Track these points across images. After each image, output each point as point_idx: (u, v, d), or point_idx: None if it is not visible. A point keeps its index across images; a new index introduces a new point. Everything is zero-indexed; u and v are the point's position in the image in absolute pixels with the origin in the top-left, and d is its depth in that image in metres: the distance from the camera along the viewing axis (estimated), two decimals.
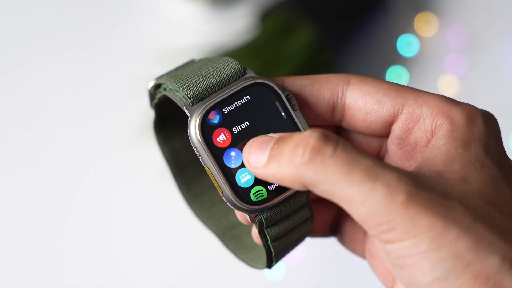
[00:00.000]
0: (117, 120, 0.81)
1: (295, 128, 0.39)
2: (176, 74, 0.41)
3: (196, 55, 0.75)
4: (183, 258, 0.76)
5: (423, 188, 0.33)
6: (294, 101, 0.39)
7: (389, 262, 0.35)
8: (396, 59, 0.83)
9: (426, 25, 0.84)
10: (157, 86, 0.42)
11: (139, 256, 0.76)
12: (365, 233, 0.44)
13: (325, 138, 0.34)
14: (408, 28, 0.84)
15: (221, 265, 0.75)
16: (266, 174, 0.36)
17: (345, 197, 0.33)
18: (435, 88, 0.82)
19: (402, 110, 0.39)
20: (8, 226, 0.78)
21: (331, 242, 0.58)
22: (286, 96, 0.39)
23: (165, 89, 0.41)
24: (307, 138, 0.34)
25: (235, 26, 0.84)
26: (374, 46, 0.83)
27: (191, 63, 0.42)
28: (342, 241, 0.46)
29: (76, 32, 0.85)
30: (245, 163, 0.37)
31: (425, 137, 0.38)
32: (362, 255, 0.44)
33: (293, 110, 0.39)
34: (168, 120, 0.46)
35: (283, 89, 0.40)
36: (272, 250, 0.41)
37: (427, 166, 0.36)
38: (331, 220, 0.45)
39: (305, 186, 0.35)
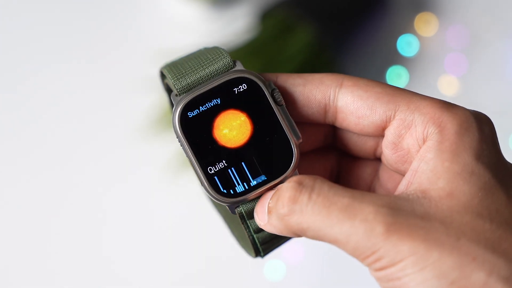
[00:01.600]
0: (118, 119, 0.81)
1: (277, 125, 0.39)
2: (175, 62, 0.42)
3: None
4: (184, 257, 0.76)
5: (402, 215, 0.34)
6: (279, 97, 0.40)
7: (381, 286, 0.36)
8: (396, 59, 0.83)
9: (426, 25, 0.84)
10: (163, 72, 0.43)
11: (141, 254, 0.76)
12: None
13: (299, 187, 0.36)
14: (408, 28, 0.84)
15: (221, 265, 0.75)
16: (270, 229, 0.38)
17: (331, 239, 0.35)
18: (435, 88, 0.82)
19: (394, 116, 0.38)
20: (9, 222, 0.78)
21: None
22: (271, 92, 0.40)
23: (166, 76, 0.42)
24: (284, 190, 0.36)
25: (235, 26, 0.84)
26: (374, 46, 0.83)
27: (198, 51, 0.43)
28: None
29: (76, 31, 0.85)
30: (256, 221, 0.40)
31: (417, 144, 0.38)
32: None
33: (278, 105, 0.40)
34: None
35: (270, 84, 0.40)
36: (257, 241, 0.41)
37: (413, 184, 0.36)
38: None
39: (298, 235, 0.37)
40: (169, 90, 0.44)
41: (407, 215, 0.34)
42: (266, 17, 0.79)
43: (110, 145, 0.80)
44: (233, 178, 0.39)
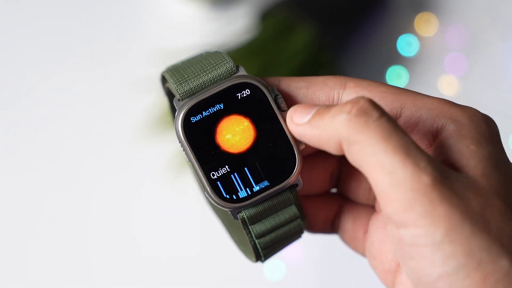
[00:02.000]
0: (118, 119, 0.81)
1: (280, 131, 0.39)
2: (177, 66, 0.41)
3: None
4: (183, 257, 0.76)
5: (450, 178, 0.33)
6: (283, 102, 0.39)
7: (399, 251, 0.34)
8: (396, 59, 0.83)
9: (426, 25, 0.84)
10: (164, 76, 0.43)
11: (141, 254, 0.76)
12: (365, 232, 0.43)
13: (374, 104, 0.34)
14: (408, 28, 0.84)
15: (222, 265, 0.75)
16: (305, 130, 0.37)
17: (375, 163, 0.33)
18: (435, 88, 0.82)
19: (400, 114, 0.38)
20: (8, 222, 0.78)
21: (331, 242, 0.58)
22: (274, 97, 0.40)
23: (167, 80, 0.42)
24: (358, 99, 0.35)
25: (235, 26, 0.84)
26: (374, 46, 0.83)
27: (199, 55, 0.43)
28: (343, 238, 0.45)
29: (76, 31, 0.85)
30: (288, 122, 0.38)
31: (425, 138, 0.38)
32: (363, 254, 0.44)
33: (281, 111, 0.39)
34: None
35: (273, 89, 0.40)
36: (258, 246, 0.41)
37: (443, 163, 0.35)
38: (332, 216, 0.45)
39: (340, 144, 0.35)
40: (170, 94, 0.44)
41: (454, 181, 0.33)
42: (266, 17, 0.79)
43: (110, 145, 0.80)
44: (235, 184, 0.39)
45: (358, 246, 0.44)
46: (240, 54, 0.75)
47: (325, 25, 0.77)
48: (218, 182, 0.39)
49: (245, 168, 0.39)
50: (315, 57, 0.76)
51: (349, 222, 0.44)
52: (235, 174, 0.39)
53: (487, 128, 0.36)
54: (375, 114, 0.34)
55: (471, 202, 0.33)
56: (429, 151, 0.38)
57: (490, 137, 0.36)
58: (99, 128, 0.81)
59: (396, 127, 0.34)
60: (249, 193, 0.39)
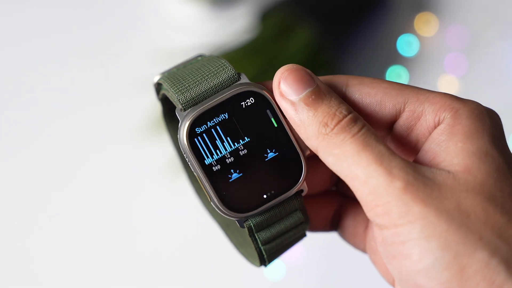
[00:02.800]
0: (118, 119, 0.81)
1: (286, 138, 0.39)
2: (175, 74, 0.41)
3: None
4: (182, 257, 0.76)
5: (422, 180, 0.35)
6: None
7: (383, 252, 0.36)
8: (396, 59, 0.83)
9: (426, 25, 0.84)
10: (160, 83, 0.42)
11: (141, 254, 0.76)
12: (366, 227, 0.44)
13: (354, 119, 0.36)
14: (408, 28, 0.84)
15: (221, 265, 0.75)
16: (289, 110, 0.37)
17: (350, 175, 0.35)
18: (435, 88, 0.82)
19: (404, 108, 0.38)
20: (8, 222, 0.78)
21: (331, 242, 0.58)
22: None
23: (164, 88, 0.41)
24: (340, 113, 0.36)
25: (235, 26, 0.84)
26: (374, 46, 0.83)
27: (194, 61, 0.42)
28: (343, 235, 0.46)
29: (76, 31, 0.85)
30: (274, 83, 0.38)
31: (427, 132, 0.38)
32: (363, 250, 0.45)
33: (285, 118, 0.39)
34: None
35: None
36: (264, 253, 0.41)
37: (428, 159, 0.36)
38: (332, 214, 0.46)
39: (317, 152, 0.37)
40: (164, 100, 0.43)
41: (427, 182, 0.35)
42: (266, 17, 0.79)
43: (109, 145, 0.80)
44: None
45: (358, 242, 0.45)
46: (240, 54, 0.75)
47: (325, 25, 0.77)
48: (225, 193, 0.39)
49: (252, 177, 0.39)
50: (315, 57, 0.76)
51: (349, 219, 0.45)
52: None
53: (483, 122, 0.37)
54: (353, 131, 0.36)
55: (447, 199, 0.34)
56: (427, 140, 0.38)
57: (484, 131, 0.36)
58: (99, 128, 0.81)
59: (372, 139, 0.36)
60: (257, 202, 0.39)
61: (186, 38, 0.82)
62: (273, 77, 0.41)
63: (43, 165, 0.80)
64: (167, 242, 0.77)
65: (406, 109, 0.38)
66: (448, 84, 0.82)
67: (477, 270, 0.33)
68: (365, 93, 0.39)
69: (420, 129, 0.38)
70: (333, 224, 0.46)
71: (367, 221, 0.44)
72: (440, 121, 0.37)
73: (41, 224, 0.78)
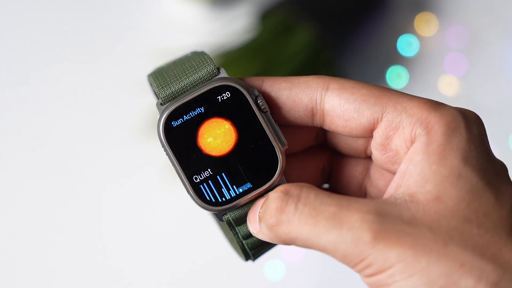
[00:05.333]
0: (117, 119, 0.81)
1: (261, 132, 0.39)
2: (161, 68, 0.42)
3: None
4: (182, 258, 0.76)
5: (389, 221, 0.34)
6: (264, 104, 0.39)
7: None
8: (396, 59, 0.83)
9: (426, 25, 0.84)
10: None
11: (141, 254, 0.76)
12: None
13: (285, 197, 0.36)
14: (408, 28, 0.84)
15: (221, 265, 0.75)
16: (264, 239, 0.38)
17: (320, 247, 0.36)
18: (435, 88, 0.82)
19: (381, 117, 0.38)
20: (5, 223, 0.78)
21: None
22: (255, 99, 0.40)
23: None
24: (271, 200, 0.37)
25: (235, 26, 0.84)
26: (374, 46, 0.83)
27: (185, 56, 0.43)
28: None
29: (76, 31, 0.85)
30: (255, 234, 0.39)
31: (405, 146, 0.38)
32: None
33: (262, 112, 0.39)
34: None
35: (253, 91, 0.40)
36: (246, 246, 0.41)
37: (402, 187, 0.36)
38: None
39: (288, 244, 0.37)
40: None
41: (394, 221, 0.34)
42: (266, 17, 0.79)
43: (109, 145, 0.80)
44: (218, 187, 0.39)
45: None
46: (240, 54, 0.75)
47: (325, 25, 0.77)
48: (201, 186, 0.39)
49: (228, 171, 0.39)
50: (315, 57, 0.76)
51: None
52: (218, 177, 0.39)
53: (462, 135, 0.36)
54: (291, 208, 0.36)
55: (421, 233, 0.34)
56: (403, 159, 0.38)
57: (463, 147, 0.36)
58: (98, 129, 0.81)
59: (317, 204, 0.36)
60: (233, 195, 0.39)
61: (186, 38, 0.82)
62: (256, 76, 0.41)
63: (41, 166, 0.80)
64: (166, 242, 0.77)
65: (384, 119, 0.38)
66: (448, 84, 0.82)
67: None
68: (344, 98, 0.39)
69: (398, 140, 0.38)
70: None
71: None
72: (416, 136, 0.37)
73: (39, 225, 0.77)
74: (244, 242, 0.41)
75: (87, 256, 0.76)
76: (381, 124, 0.38)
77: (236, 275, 0.75)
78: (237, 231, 0.40)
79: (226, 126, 0.40)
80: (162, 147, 0.40)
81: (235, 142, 0.39)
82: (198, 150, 0.39)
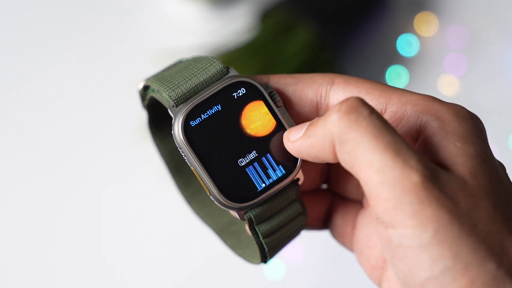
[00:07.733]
0: (116, 119, 0.81)
1: (278, 126, 0.39)
2: (162, 75, 0.41)
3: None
4: (182, 258, 0.76)
5: (439, 176, 0.33)
6: (278, 97, 0.40)
7: (388, 252, 0.34)
8: (396, 59, 0.83)
9: (426, 25, 0.84)
10: (146, 88, 0.42)
11: (137, 256, 0.76)
12: (353, 227, 0.44)
13: (363, 102, 0.34)
14: (408, 28, 0.84)
15: (221, 265, 0.75)
16: (301, 143, 0.37)
17: (365, 161, 0.33)
18: (435, 88, 0.82)
19: (385, 109, 0.38)
20: (4, 224, 0.78)
21: (331, 242, 0.58)
22: (269, 93, 0.40)
23: (153, 90, 0.41)
24: (347, 98, 0.34)
25: (235, 26, 0.84)
26: (374, 46, 0.83)
27: (178, 63, 0.43)
28: (334, 234, 0.46)
29: (76, 31, 0.86)
30: (284, 141, 0.38)
31: (409, 135, 0.38)
32: (351, 249, 0.44)
33: (277, 106, 0.40)
34: (163, 119, 0.47)
35: (266, 86, 0.40)
36: (265, 246, 0.41)
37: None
38: (324, 212, 0.46)
39: (333, 145, 0.35)
40: (150, 107, 0.44)
41: (443, 180, 0.33)
42: (266, 17, 0.79)
43: (109, 145, 0.80)
44: (264, 168, 0.39)
45: (347, 242, 0.44)
46: (240, 54, 0.75)
47: (325, 25, 0.77)
48: (247, 169, 0.39)
49: (271, 152, 0.39)
50: (315, 57, 0.76)
51: (338, 218, 0.45)
52: (263, 158, 0.39)
53: (472, 125, 0.36)
54: (365, 111, 0.34)
55: (460, 202, 0.32)
56: (416, 144, 0.38)
57: (476, 134, 0.35)
58: (98, 129, 0.81)
59: (386, 125, 0.33)
60: (274, 178, 0.39)
61: (186, 38, 0.82)
62: (260, 75, 0.41)
63: (41, 166, 0.80)
64: (166, 242, 0.77)
65: (388, 110, 0.38)
66: (448, 84, 0.82)
67: (486, 282, 0.31)
68: (349, 91, 0.39)
69: (403, 131, 0.38)
70: (325, 222, 0.46)
71: (354, 221, 0.44)
72: (423, 124, 0.37)
73: (39, 225, 0.78)
74: (263, 241, 0.41)
75: (87, 256, 0.76)
76: (385, 116, 0.38)
77: (236, 275, 0.75)
78: (257, 230, 0.40)
79: (264, 110, 0.40)
80: (180, 149, 0.39)
81: (275, 125, 0.40)
82: (241, 134, 0.39)
